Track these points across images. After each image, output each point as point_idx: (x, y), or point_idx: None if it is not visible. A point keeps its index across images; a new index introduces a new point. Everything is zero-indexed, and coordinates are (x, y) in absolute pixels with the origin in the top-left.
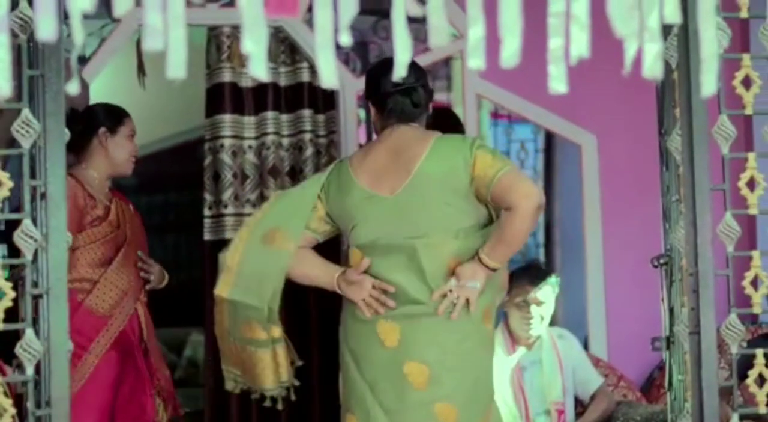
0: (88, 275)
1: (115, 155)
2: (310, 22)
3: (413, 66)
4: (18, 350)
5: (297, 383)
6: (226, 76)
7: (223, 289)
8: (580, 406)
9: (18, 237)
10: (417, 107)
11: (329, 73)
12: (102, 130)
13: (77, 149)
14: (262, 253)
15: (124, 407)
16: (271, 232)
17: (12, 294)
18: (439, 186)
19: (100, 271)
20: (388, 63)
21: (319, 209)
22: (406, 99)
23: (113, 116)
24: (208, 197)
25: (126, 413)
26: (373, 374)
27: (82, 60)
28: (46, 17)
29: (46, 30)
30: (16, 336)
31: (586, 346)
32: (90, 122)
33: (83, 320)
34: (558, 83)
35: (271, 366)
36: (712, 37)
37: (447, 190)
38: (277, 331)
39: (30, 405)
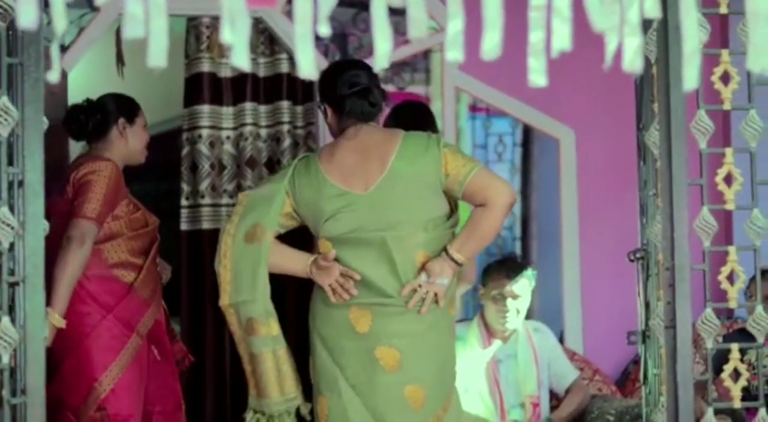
0: (131, 260)
1: (132, 144)
2: (289, 14)
3: (365, 68)
4: None
5: (306, 408)
6: (205, 67)
7: (223, 298)
8: (555, 399)
9: None
10: (374, 107)
11: (308, 64)
12: (121, 120)
13: (94, 138)
14: (247, 251)
15: (159, 393)
16: (252, 229)
17: None
18: (411, 183)
19: (142, 259)
20: (341, 66)
21: (287, 205)
22: (363, 100)
23: (130, 107)
24: (185, 187)
25: (162, 399)
26: (345, 357)
27: (61, 49)
28: (27, 5)
29: (27, 18)
30: None
31: (561, 340)
32: (108, 112)
33: (132, 302)
34: (538, 76)
35: (273, 372)
36: (694, 33)
37: (419, 186)
38: (275, 327)
39: (5, 393)
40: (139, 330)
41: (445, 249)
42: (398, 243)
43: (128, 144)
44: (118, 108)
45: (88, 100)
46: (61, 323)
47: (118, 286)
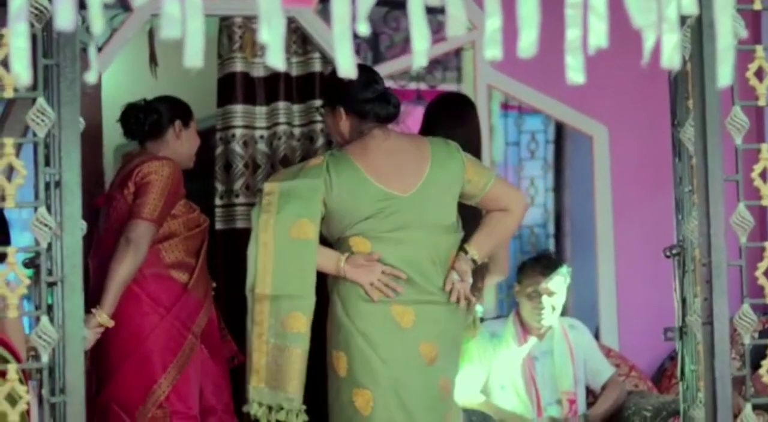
0: (186, 260)
1: (186, 147)
2: (321, 13)
3: (375, 72)
4: (33, 337)
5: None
6: (238, 67)
7: (263, 287)
8: (592, 396)
9: (33, 225)
10: (397, 109)
11: (347, 63)
12: (177, 122)
13: (148, 138)
14: (295, 246)
15: (213, 392)
16: (298, 224)
17: (27, 282)
18: (443, 187)
19: (195, 259)
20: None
21: (321, 201)
22: (387, 104)
23: (186, 111)
24: (219, 187)
25: (217, 398)
26: (390, 352)
27: None
28: (64, 6)
29: (64, 19)
30: None
31: (597, 336)
32: (166, 113)
33: (188, 303)
34: (576, 74)
35: (299, 369)
36: (728, 29)
37: (448, 191)
38: (309, 326)
39: (45, 392)
40: (194, 330)
41: (463, 249)
42: (438, 244)
43: (182, 147)
44: (175, 110)
45: (145, 100)
46: (110, 322)
47: (175, 286)
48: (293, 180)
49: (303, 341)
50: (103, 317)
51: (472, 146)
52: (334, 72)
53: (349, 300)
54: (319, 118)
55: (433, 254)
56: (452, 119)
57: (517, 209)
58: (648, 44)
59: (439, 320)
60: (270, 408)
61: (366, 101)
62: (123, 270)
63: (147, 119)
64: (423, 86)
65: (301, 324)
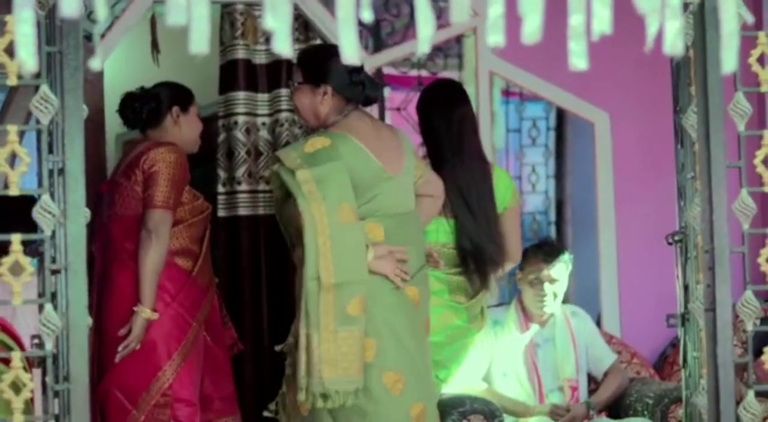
0: (190, 247)
1: (186, 132)
2: (323, 0)
3: None
4: (38, 325)
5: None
6: (240, 54)
7: (329, 275)
8: (594, 383)
9: (37, 213)
10: (380, 93)
11: (351, 49)
12: (175, 108)
13: (148, 126)
14: (345, 231)
15: (215, 379)
16: (341, 209)
17: (31, 270)
18: (412, 175)
19: (199, 246)
20: (337, 50)
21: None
22: (378, 88)
23: (184, 95)
24: (221, 174)
25: (219, 386)
26: (411, 332)
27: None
28: None
29: (69, 6)
30: None
31: (598, 323)
32: (163, 100)
33: (193, 290)
34: (579, 60)
35: (360, 350)
36: (733, 14)
37: (413, 179)
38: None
39: (49, 380)
40: (198, 318)
41: None
42: (418, 224)
43: (182, 132)
44: (172, 96)
45: (142, 88)
46: (154, 315)
47: (180, 273)
48: (321, 166)
49: (362, 323)
50: (146, 312)
51: (466, 129)
52: (317, 49)
53: (376, 290)
54: None
55: (420, 233)
56: (447, 102)
57: (440, 195)
58: (651, 30)
59: (429, 290)
60: (325, 396)
61: (358, 83)
62: (150, 262)
63: (144, 108)
64: (424, 73)
65: (360, 307)
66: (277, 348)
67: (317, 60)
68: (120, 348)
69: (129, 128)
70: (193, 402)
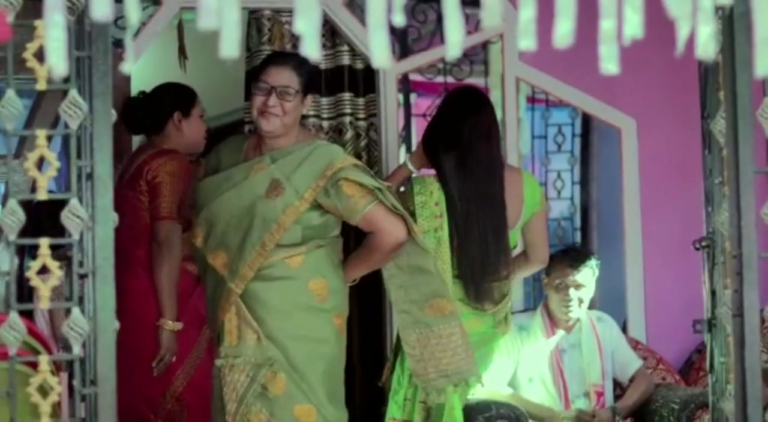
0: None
1: (189, 135)
2: (350, 5)
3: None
4: (65, 328)
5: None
6: None
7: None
8: (619, 389)
9: (65, 217)
10: None
11: (382, 54)
12: (176, 113)
13: (152, 131)
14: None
15: None
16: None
17: (59, 273)
18: None
19: None
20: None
21: None
22: None
23: (186, 98)
24: None
25: None
26: None
27: (121, 43)
28: None
29: (100, 10)
30: None
31: (624, 329)
32: (163, 105)
33: (203, 295)
34: (610, 64)
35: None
36: (764, 20)
37: None
38: None
39: (76, 383)
40: (204, 333)
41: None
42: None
43: (184, 136)
44: (172, 101)
45: (143, 93)
46: (177, 325)
47: (189, 279)
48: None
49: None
50: (168, 324)
51: (480, 139)
52: (305, 59)
53: None
54: (347, 111)
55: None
56: (459, 111)
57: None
58: (683, 34)
59: None
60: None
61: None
62: (165, 274)
63: (145, 114)
64: (450, 79)
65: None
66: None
67: (309, 70)
68: (154, 364)
69: (133, 134)
70: (207, 406)
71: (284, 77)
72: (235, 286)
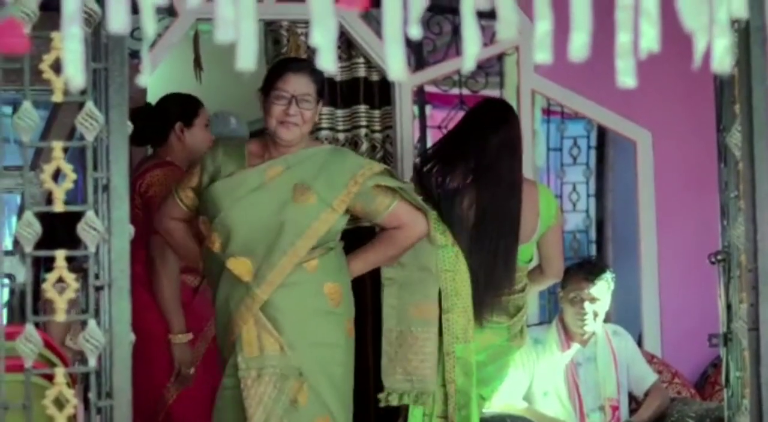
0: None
1: (192, 146)
2: (366, 18)
3: None
4: (81, 341)
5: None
6: None
7: None
8: (635, 402)
9: (81, 229)
10: None
11: (398, 67)
12: (178, 124)
13: (155, 142)
14: None
15: None
16: None
17: (75, 286)
18: None
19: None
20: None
21: None
22: None
23: (188, 109)
24: None
25: None
26: None
27: (137, 54)
28: (117, 10)
29: (117, 22)
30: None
31: (639, 343)
32: (165, 116)
33: (198, 307)
34: (627, 77)
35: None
36: None
37: None
38: None
39: (92, 395)
40: (204, 334)
41: None
42: None
43: (187, 147)
44: (175, 112)
45: (148, 105)
46: (187, 336)
47: (186, 291)
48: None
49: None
50: (178, 337)
51: (506, 154)
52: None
53: None
54: (363, 123)
55: None
56: (488, 124)
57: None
58: (699, 47)
59: None
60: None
61: None
62: (163, 288)
63: (148, 126)
64: (465, 91)
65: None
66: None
67: (322, 75)
68: (173, 379)
69: (137, 146)
70: (198, 419)
71: (303, 84)
72: (262, 292)
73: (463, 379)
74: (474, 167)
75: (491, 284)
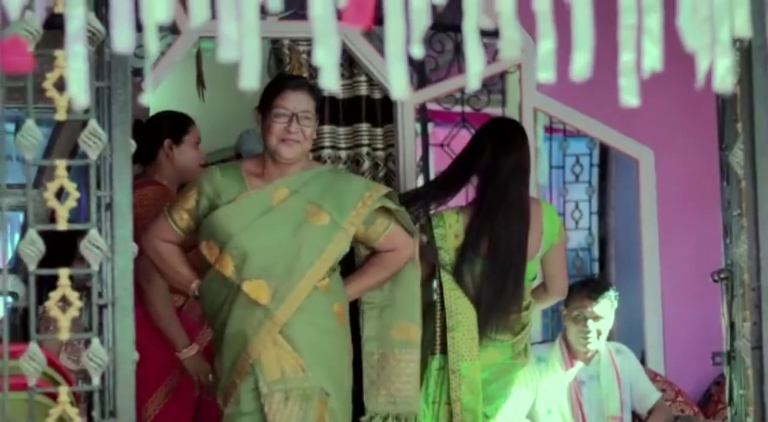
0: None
1: (182, 164)
2: (368, 35)
3: None
4: (84, 359)
5: None
6: None
7: None
8: (638, 421)
9: (84, 247)
10: None
11: (400, 85)
12: (167, 141)
13: (145, 160)
14: None
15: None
16: None
17: (79, 304)
18: None
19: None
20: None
21: None
22: None
23: (177, 126)
24: None
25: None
26: None
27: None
28: (122, 29)
29: (122, 42)
30: None
31: (643, 361)
32: (155, 134)
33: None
34: (630, 96)
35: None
36: None
37: None
38: None
39: (96, 414)
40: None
41: None
42: None
43: (176, 165)
44: (164, 129)
45: (137, 122)
46: (191, 350)
47: None
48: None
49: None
50: (184, 352)
51: (518, 176)
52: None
53: None
54: (365, 141)
55: None
56: (499, 146)
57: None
58: (702, 67)
59: None
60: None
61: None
62: (156, 308)
63: (137, 143)
64: (467, 109)
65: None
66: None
67: (319, 91)
68: (197, 392)
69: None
70: None
71: (302, 101)
72: (282, 314)
73: (469, 397)
74: (481, 187)
75: (499, 305)
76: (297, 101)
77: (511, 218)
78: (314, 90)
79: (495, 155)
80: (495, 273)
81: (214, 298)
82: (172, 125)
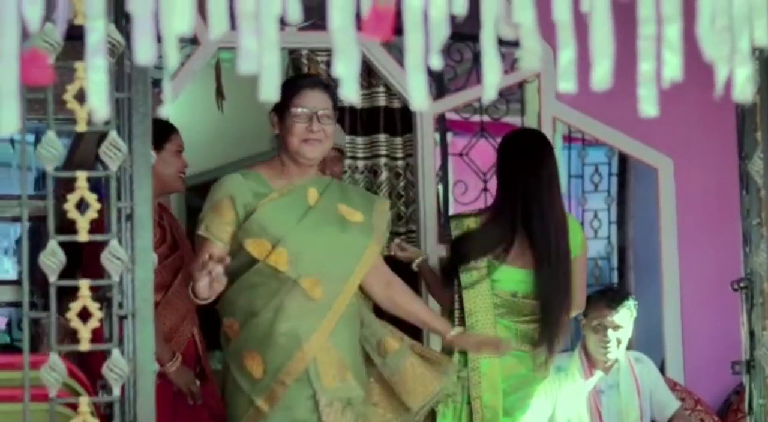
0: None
1: (163, 172)
2: (387, 46)
3: None
4: (105, 370)
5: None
6: None
7: None
8: None
9: (105, 258)
10: None
11: (420, 96)
12: None
13: None
14: None
15: None
16: None
17: (99, 315)
18: None
19: (159, 295)
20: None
21: None
22: None
23: (158, 134)
24: None
25: None
26: None
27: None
28: (144, 41)
29: (144, 54)
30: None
31: (662, 370)
32: None
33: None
34: (649, 106)
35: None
36: None
37: None
38: None
39: None
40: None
41: None
42: None
43: (157, 173)
44: None
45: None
46: (176, 364)
47: None
48: None
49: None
50: (168, 366)
51: (554, 188)
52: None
53: None
54: (383, 152)
55: None
56: (528, 161)
57: None
58: (721, 76)
59: None
60: None
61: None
62: None
63: None
64: (486, 119)
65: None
66: None
67: (336, 92)
68: (190, 402)
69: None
70: None
71: (321, 100)
72: (333, 314)
73: (490, 394)
74: (523, 202)
75: (560, 319)
76: (316, 100)
77: (555, 230)
78: (330, 88)
79: (532, 167)
80: (551, 286)
81: (258, 291)
82: (155, 132)
